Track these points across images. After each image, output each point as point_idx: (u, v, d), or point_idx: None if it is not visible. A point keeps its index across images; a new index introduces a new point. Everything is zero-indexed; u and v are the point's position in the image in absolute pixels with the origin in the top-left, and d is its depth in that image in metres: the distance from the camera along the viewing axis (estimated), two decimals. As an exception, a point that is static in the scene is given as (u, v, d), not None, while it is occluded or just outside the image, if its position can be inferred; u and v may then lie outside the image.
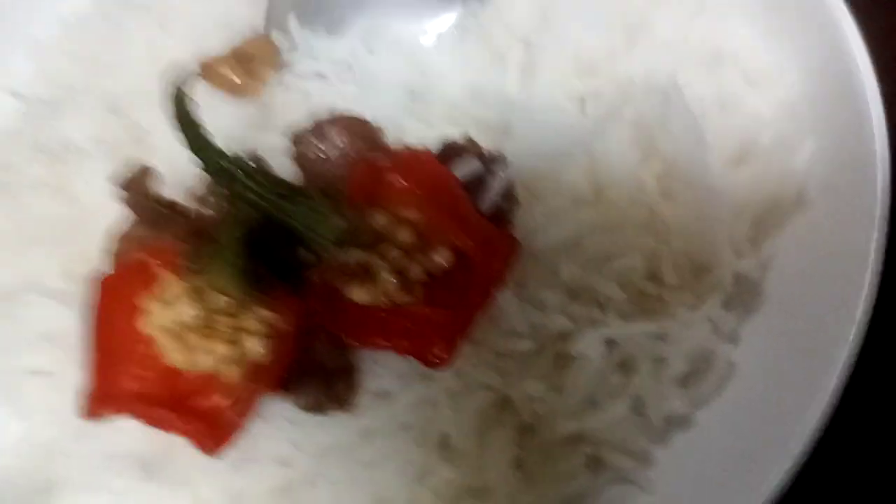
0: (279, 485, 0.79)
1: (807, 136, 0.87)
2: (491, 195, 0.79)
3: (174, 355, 0.74)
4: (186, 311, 0.73)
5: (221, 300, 0.73)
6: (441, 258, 0.74)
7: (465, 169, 0.79)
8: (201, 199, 0.78)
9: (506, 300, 0.81)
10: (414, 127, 0.90)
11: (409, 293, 0.75)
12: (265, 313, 0.74)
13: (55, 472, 0.87)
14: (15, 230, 0.91)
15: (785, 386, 0.77)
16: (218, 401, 0.74)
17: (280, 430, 0.78)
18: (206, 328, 0.73)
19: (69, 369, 0.83)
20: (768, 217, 0.88)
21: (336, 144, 0.80)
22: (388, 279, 0.74)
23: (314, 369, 0.74)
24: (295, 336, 0.74)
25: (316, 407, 0.75)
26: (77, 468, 0.84)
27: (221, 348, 0.72)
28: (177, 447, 0.80)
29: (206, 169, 0.73)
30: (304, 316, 0.74)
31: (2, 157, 0.94)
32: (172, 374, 0.75)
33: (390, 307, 0.74)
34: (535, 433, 0.83)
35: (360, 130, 0.82)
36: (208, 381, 0.74)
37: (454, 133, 0.85)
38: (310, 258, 0.75)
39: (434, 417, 0.80)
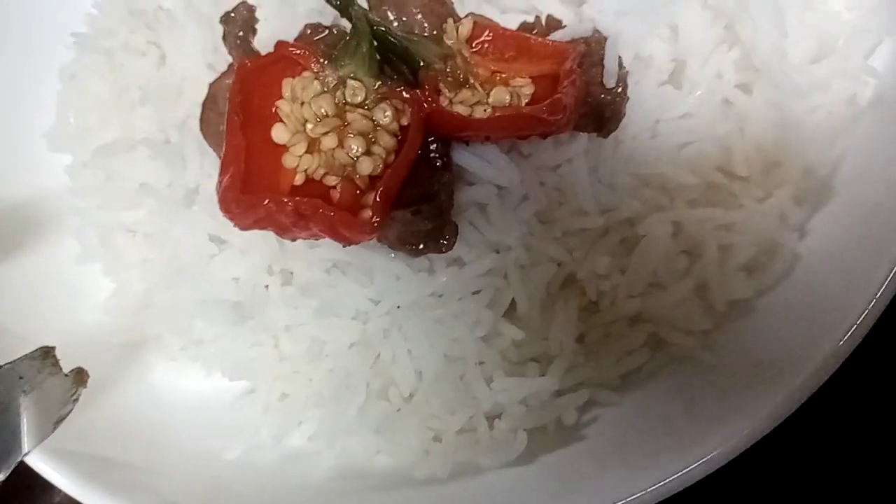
0: (356, 339, 0.84)
1: (885, 38, 0.87)
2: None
3: (308, 160, 0.77)
4: (324, 104, 0.76)
5: (356, 92, 0.77)
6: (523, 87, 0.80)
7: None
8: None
9: (577, 180, 0.83)
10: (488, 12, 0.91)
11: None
12: (394, 102, 0.77)
13: (145, 325, 0.93)
14: (117, 93, 0.95)
15: (846, 277, 0.78)
16: (352, 202, 0.76)
17: (360, 286, 0.82)
18: (341, 125, 0.77)
19: (163, 222, 0.88)
20: (843, 115, 0.88)
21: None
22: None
23: (428, 197, 0.78)
24: (419, 127, 0.77)
25: (419, 239, 0.78)
26: (170, 315, 0.89)
27: (356, 143, 0.76)
28: (263, 297, 0.85)
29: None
30: (423, 107, 0.78)
31: (103, 24, 0.99)
32: (308, 184, 0.78)
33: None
34: (598, 311, 0.86)
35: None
36: (343, 186, 0.77)
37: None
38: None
39: (503, 287, 0.83)
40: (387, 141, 0.77)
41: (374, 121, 0.77)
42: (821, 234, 0.84)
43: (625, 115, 0.82)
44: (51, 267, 0.98)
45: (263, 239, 0.85)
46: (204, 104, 0.83)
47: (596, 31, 0.82)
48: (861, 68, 0.87)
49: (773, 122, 0.87)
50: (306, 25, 0.80)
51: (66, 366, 0.83)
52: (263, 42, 0.87)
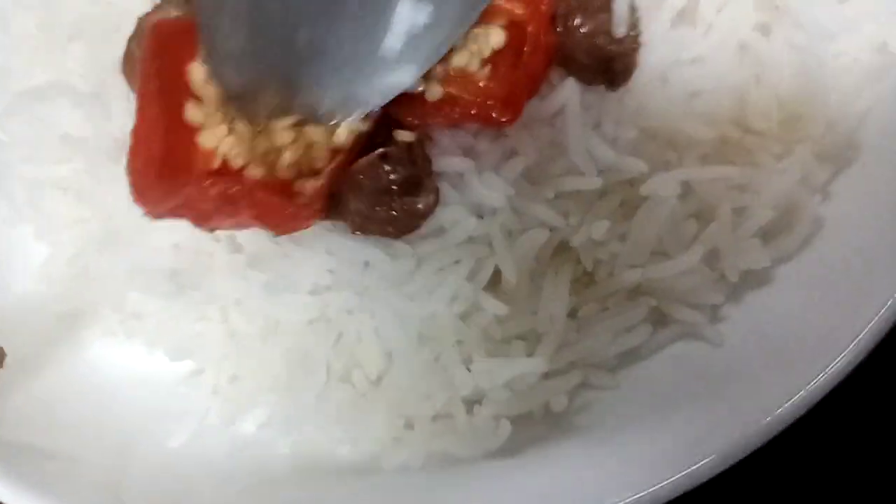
0: (316, 316, 0.74)
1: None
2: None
3: (229, 143, 0.65)
4: None
5: None
6: (496, 39, 0.68)
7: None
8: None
9: (571, 135, 0.73)
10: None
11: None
12: None
13: (81, 295, 0.82)
14: (49, 29, 0.84)
15: (874, 246, 0.69)
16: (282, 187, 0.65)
17: (318, 255, 0.72)
18: None
19: (92, 180, 0.78)
20: (872, 63, 0.78)
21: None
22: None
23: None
24: None
25: (392, 197, 0.67)
26: (103, 286, 0.79)
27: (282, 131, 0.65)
28: (207, 266, 0.75)
29: None
30: None
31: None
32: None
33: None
34: (593, 282, 0.76)
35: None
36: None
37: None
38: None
39: (487, 256, 0.73)
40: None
41: None
42: (846, 197, 0.75)
43: (637, 65, 0.70)
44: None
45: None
46: (130, 40, 0.70)
47: None
48: (894, 10, 0.77)
49: (794, 70, 0.76)
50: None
51: (-2, 340, 0.73)
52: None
